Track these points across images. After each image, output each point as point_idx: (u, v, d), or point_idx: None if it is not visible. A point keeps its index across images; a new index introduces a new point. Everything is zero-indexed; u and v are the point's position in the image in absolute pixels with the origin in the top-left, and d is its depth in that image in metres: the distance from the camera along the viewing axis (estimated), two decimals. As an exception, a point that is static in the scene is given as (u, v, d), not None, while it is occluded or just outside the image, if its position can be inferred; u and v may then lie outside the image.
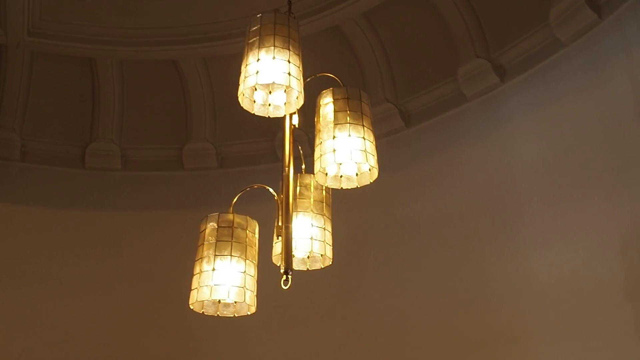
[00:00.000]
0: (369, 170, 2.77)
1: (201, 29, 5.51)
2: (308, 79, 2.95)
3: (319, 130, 2.77)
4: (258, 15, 2.76)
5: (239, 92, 2.67)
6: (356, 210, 5.34)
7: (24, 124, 5.69)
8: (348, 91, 2.79)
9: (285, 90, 2.80)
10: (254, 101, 2.79)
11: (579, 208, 4.36)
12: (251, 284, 2.66)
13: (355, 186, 2.81)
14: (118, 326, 5.30)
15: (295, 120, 2.90)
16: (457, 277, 4.75)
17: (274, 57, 2.65)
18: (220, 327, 5.16)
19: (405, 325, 4.85)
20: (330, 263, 2.91)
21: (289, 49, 2.69)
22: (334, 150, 2.67)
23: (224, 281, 2.60)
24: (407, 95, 5.44)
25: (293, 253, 2.86)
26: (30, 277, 5.35)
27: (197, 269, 2.68)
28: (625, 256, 4.06)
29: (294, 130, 2.90)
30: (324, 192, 2.93)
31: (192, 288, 2.65)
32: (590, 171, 4.37)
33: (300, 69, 2.72)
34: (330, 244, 2.88)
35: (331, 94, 2.80)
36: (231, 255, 2.64)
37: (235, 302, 2.72)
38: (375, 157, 2.73)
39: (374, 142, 2.74)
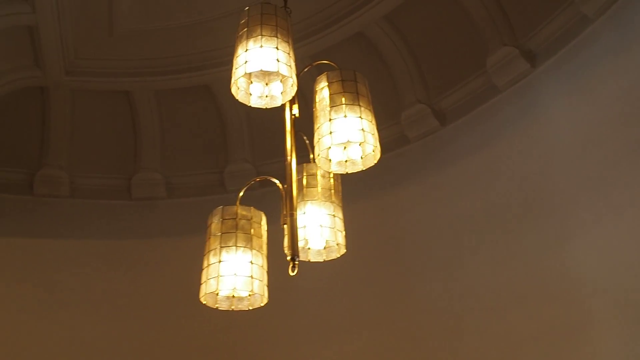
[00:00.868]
0: (372, 151, 2.76)
1: (231, 51, 5.62)
2: (306, 69, 2.99)
3: (317, 116, 2.77)
4: (246, 9, 2.83)
5: (232, 84, 2.73)
6: (400, 211, 5.31)
7: (71, 160, 5.93)
8: (342, 73, 2.79)
9: (281, 80, 2.85)
10: (250, 94, 2.85)
11: (623, 187, 4.18)
12: (259, 273, 2.65)
13: (360, 169, 2.79)
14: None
15: (296, 110, 2.93)
16: (506, 272, 4.61)
17: (261, 46, 2.69)
18: (264, 339, 5.25)
19: (459, 326, 4.72)
20: (345, 251, 2.88)
21: (276, 37, 2.73)
22: (331, 133, 2.67)
23: (230, 272, 2.61)
24: (439, 94, 5.38)
25: (308, 246, 2.91)
26: (87, 306, 5.53)
27: (205, 263, 2.70)
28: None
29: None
30: (331, 179, 2.92)
31: (201, 282, 2.67)
32: (631, 149, 4.19)
33: (291, 55, 2.74)
34: (342, 230, 2.85)
35: (326, 78, 2.80)
36: (236, 246, 2.65)
37: (250, 295, 2.74)
38: (376, 136, 2.70)
39: (373, 122, 2.71)
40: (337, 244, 2.87)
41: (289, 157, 2.84)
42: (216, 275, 2.62)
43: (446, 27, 5.24)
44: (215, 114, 5.96)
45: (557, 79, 4.72)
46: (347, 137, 2.64)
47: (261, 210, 2.78)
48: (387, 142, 5.50)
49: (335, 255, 2.92)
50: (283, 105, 2.85)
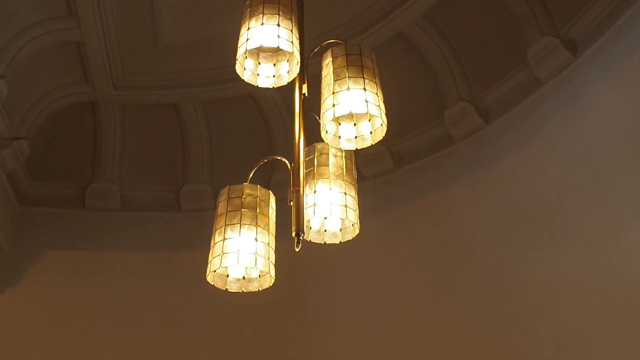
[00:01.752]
0: (381, 125, 2.72)
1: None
2: (315, 49, 3.00)
3: (322, 92, 2.78)
4: (249, -7, 2.88)
5: (236, 64, 2.77)
6: (447, 211, 5.23)
7: (121, 173, 6.12)
8: (347, 47, 2.78)
9: (288, 60, 2.87)
10: (257, 74, 2.89)
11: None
12: (264, 250, 2.65)
13: (369, 144, 2.76)
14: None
15: (305, 89, 2.94)
16: (555, 267, 4.45)
17: (262, 24, 2.73)
18: (311, 343, 5.23)
19: (505, 325, 4.57)
20: (358, 231, 2.85)
21: (278, 14, 2.75)
22: (334, 105, 2.66)
23: (233, 249, 2.62)
24: (481, 91, 5.29)
25: (325, 227, 2.89)
26: (140, 317, 5.65)
27: (211, 243, 2.73)
28: None
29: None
30: (343, 157, 2.90)
31: (208, 262, 2.69)
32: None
33: (294, 33, 2.76)
34: (355, 209, 2.81)
35: (330, 54, 2.80)
36: (241, 224, 2.66)
37: (260, 276, 2.73)
38: (382, 108, 2.67)
39: (378, 94, 2.69)
40: (352, 224, 2.84)
41: (296, 136, 2.86)
42: (220, 253, 2.64)
43: (484, 21, 5.17)
44: (262, 122, 6.03)
45: (600, 66, 4.56)
46: (350, 108, 2.63)
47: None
48: (432, 143, 5.55)
49: (350, 236, 2.89)
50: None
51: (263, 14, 2.75)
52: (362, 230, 5.56)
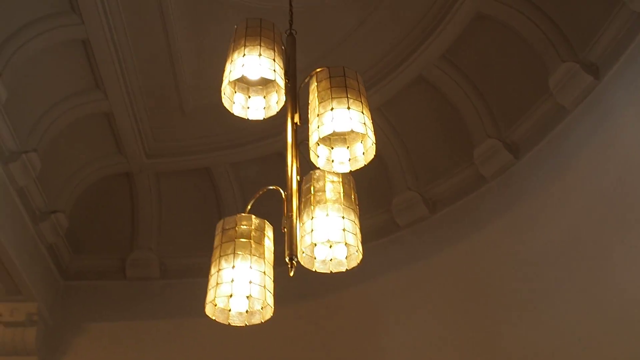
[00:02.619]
0: (372, 144, 2.73)
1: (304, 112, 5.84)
2: (306, 80, 3.03)
3: (309, 118, 2.81)
4: (235, 27, 2.98)
5: (222, 96, 2.85)
6: (480, 253, 5.10)
7: (160, 241, 6.24)
8: (330, 70, 2.83)
9: (276, 90, 2.94)
10: (248, 107, 2.96)
11: None
12: (259, 278, 2.63)
13: (362, 165, 2.76)
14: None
15: (297, 118, 2.98)
16: (595, 299, 4.25)
17: (244, 55, 2.81)
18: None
19: None
20: (360, 255, 2.80)
21: (259, 45, 2.83)
22: (318, 127, 2.68)
23: (228, 279, 2.62)
24: (508, 127, 5.27)
25: (329, 256, 2.86)
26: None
27: (209, 276, 2.74)
28: None
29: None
30: (340, 182, 2.89)
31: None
32: None
33: (276, 61, 2.83)
34: (355, 232, 2.77)
35: (315, 79, 2.85)
36: (235, 254, 2.67)
37: (262, 308, 2.71)
38: (368, 125, 2.67)
39: (363, 112, 2.70)
40: (356, 250, 2.80)
41: (289, 163, 2.88)
42: (215, 285, 2.64)
43: (502, 55, 5.18)
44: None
45: (624, 87, 4.47)
46: (334, 127, 2.64)
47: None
48: (463, 186, 5.47)
49: (354, 262, 2.85)
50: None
51: (245, 46, 2.83)
52: (404, 277, 5.48)
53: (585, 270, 4.38)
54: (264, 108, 2.94)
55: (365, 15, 5.34)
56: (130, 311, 6.04)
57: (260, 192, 2.96)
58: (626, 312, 4.02)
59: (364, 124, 2.67)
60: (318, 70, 2.92)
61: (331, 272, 2.84)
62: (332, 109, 2.68)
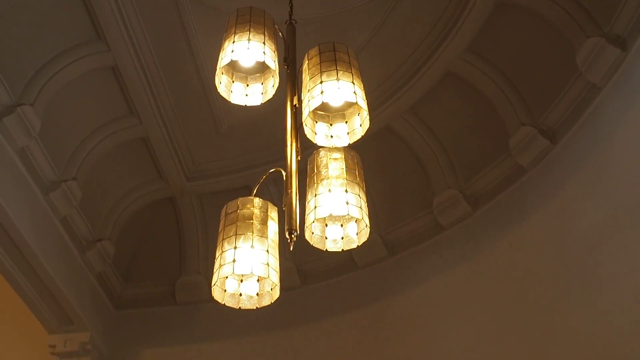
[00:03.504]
0: (366, 117, 2.76)
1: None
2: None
3: (302, 97, 2.87)
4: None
5: (216, 85, 2.94)
6: (527, 246, 5.02)
7: (208, 263, 6.34)
8: (320, 47, 2.88)
9: (272, 76, 3.01)
10: (247, 95, 3.05)
11: None
12: (262, 256, 2.66)
13: (358, 137, 2.79)
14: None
15: (295, 100, 3.03)
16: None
17: (233, 42, 2.89)
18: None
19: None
20: (368, 230, 2.81)
21: (249, 31, 2.91)
22: (309, 102, 2.73)
23: (229, 259, 2.66)
24: (542, 113, 5.21)
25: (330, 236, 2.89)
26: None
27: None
28: None
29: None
30: (342, 159, 2.91)
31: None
32: None
33: (266, 45, 2.90)
34: (359, 206, 2.78)
35: (307, 57, 2.91)
36: (236, 235, 2.71)
37: (271, 289, 2.75)
38: (358, 94, 2.71)
39: (353, 82, 2.74)
40: (366, 225, 2.81)
41: (288, 143, 2.93)
42: (218, 267, 2.69)
43: (528, 40, 5.16)
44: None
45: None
46: (323, 99, 2.69)
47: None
48: (503, 179, 5.39)
49: (364, 237, 2.86)
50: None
51: (235, 33, 2.92)
52: (452, 277, 5.47)
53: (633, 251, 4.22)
54: (262, 93, 3.02)
55: (385, 15, 5.39)
56: (183, 335, 6.16)
57: (264, 177, 3.02)
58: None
59: (355, 92, 2.70)
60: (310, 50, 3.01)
61: (342, 250, 2.87)
62: (321, 82, 2.73)
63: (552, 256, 4.80)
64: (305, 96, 2.77)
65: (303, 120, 2.74)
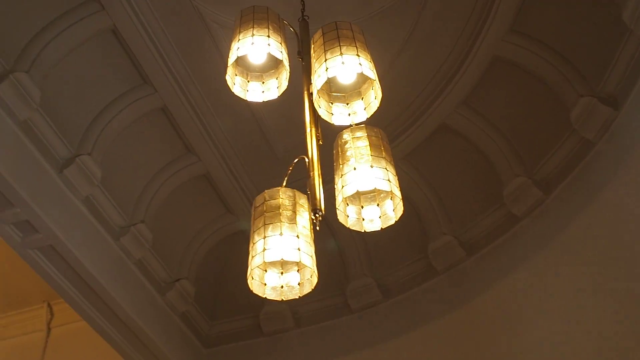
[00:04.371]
0: (378, 87, 2.77)
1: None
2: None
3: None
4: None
5: (227, 77, 3.02)
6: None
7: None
8: (323, 29, 2.92)
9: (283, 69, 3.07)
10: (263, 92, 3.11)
11: None
12: (291, 242, 2.68)
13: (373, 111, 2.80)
14: None
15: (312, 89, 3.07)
16: None
17: (238, 40, 2.97)
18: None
19: None
20: (401, 202, 2.79)
21: (252, 27, 2.99)
22: (316, 81, 2.76)
23: (260, 249, 2.68)
24: (535, 165, 5.42)
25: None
26: None
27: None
28: None
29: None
30: (365, 137, 2.91)
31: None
32: None
33: (271, 37, 2.96)
34: (386, 178, 2.76)
35: (312, 41, 2.96)
36: (264, 225, 2.74)
37: (311, 276, 2.75)
38: (364, 64, 2.74)
39: (357, 54, 2.76)
40: (400, 200, 2.80)
41: (307, 131, 2.96)
42: (251, 258, 2.72)
43: (522, 96, 5.35)
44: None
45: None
46: (329, 74, 2.72)
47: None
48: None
49: (399, 212, 2.83)
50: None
51: (240, 31, 3.00)
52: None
53: None
54: (277, 87, 3.07)
55: (384, 67, 5.43)
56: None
57: (291, 167, 3.06)
58: None
59: (360, 64, 2.71)
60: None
61: (365, 231, 2.86)
62: (325, 60, 2.76)
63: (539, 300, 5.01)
64: (313, 79, 2.80)
65: (314, 101, 2.77)
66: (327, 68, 2.71)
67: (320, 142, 2.94)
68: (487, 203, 5.63)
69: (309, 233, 2.77)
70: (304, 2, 3.53)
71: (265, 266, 2.80)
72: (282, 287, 2.81)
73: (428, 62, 5.49)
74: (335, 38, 2.82)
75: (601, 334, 4.52)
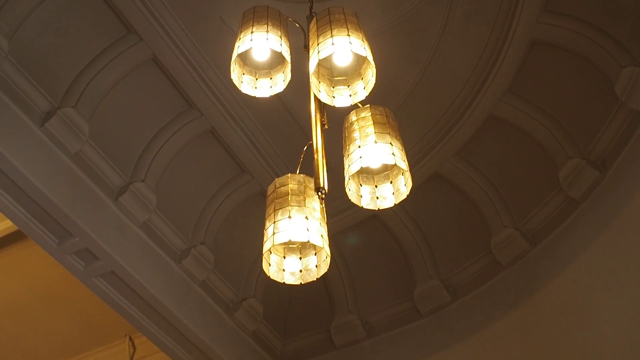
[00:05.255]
0: (372, 66, 2.84)
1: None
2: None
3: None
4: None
5: (232, 76, 3.15)
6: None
7: (357, 302, 6.41)
8: (317, 16, 3.02)
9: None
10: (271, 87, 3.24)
11: None
12: (300, 223, 2.75)
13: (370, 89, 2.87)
14: None
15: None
16: None
17: (239, 39, 3.11)
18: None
19: None
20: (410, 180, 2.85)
21: (267, 24, 3.12)
22: (319, 52, 2.86)
23: (270, 232, 2.77)
24: (523, 217, 5.70)
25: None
26: None
27: (263, 244, 2.92)
28: None
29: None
30: (370, 115, 2.98)
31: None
32: None
33: (269, 32, 3.09)
34: (392, 152, 2.82)
35: (308, 31, 3.06)
36: (274, 211, 2.83)
37: (326, 257, 2.82)
38: (354, 43, 2.81)
39: (347, 34, 2.85)
40: (409, 176, 2.86)
41: (313, 117, 3.06)
42: (265, 240, 2.82)
43: (514, 152, 5.67)
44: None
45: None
46: (321, 56, 2.81)
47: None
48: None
49: (407, 190, 2.88)
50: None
51: (253, 25, 3.13)
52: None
53: None
54: (283, 80, 3.18)
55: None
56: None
57: (303, 155, 3.16)
58: None
59: (350, 42, 2.79)
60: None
61: (379, 209, 2.91)
62: (317, 44, 2.85)
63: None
64: (310, 57, 2.91)
65: (313, 86, 2.86)
66: (319, 52, 2.81)
67: (326, 127, 3.02)
68: (474, 250, 5.97)
69: (319, 214, 2.83)
70: (312, 1, 3.65)
71: (285, 252, 2.88)
72: (300, 271, 2.88)
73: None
74: (327, 23, 2.92)
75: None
